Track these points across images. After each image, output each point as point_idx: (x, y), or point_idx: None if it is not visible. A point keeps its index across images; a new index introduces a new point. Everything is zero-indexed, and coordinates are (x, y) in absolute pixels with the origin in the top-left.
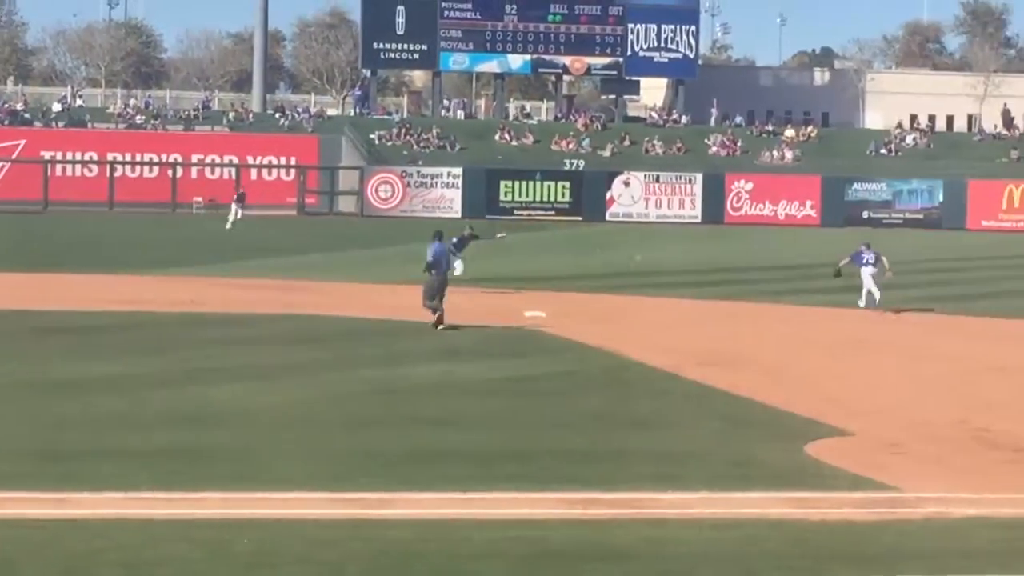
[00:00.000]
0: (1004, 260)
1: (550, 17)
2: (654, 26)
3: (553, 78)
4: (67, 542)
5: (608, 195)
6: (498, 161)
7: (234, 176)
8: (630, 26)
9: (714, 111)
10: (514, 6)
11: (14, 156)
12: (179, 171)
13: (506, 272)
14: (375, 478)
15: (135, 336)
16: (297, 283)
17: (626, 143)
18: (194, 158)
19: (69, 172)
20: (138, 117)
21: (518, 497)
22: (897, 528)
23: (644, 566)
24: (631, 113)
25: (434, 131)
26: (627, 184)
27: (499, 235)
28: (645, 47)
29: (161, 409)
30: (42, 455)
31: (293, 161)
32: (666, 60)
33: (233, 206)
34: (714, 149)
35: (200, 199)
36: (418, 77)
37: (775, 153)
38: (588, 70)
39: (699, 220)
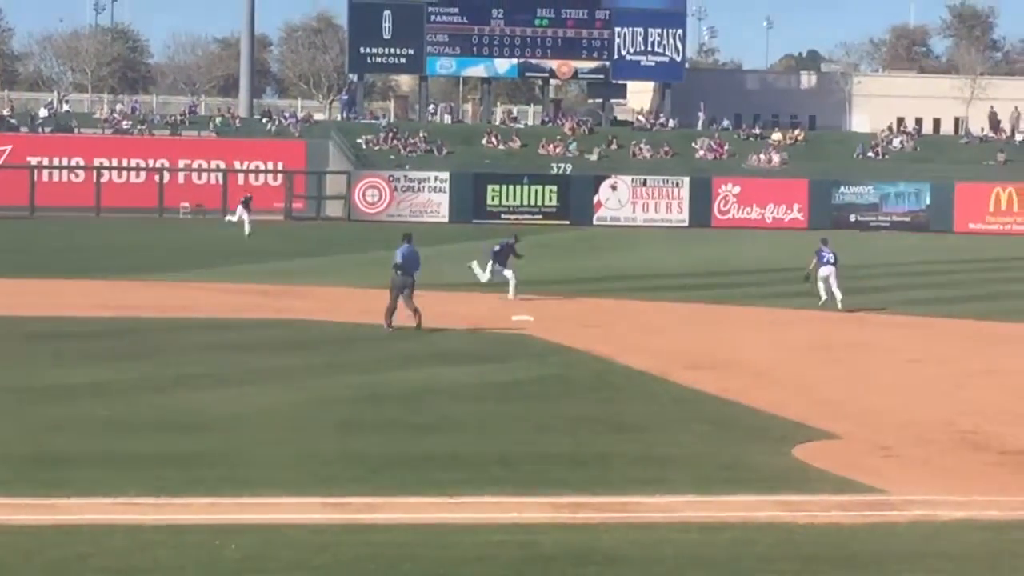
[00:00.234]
0: (991, 263)
1: (537, 21)
2: (641, 30)
3: (540, 82)
4: (55, 548)
5: (595, 199)
6: (485, 165)
7: (221, 181)
8: (617, 30)
9: (701, 115)
10: (501, 10)
11: (0, 162)
12: (166, 176)
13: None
14: (363, 483)
15: (123, 341)
16: (285, 288)
17: (613, 147)
18: (181, 163)
19: (56, 178)
20: (125, 122)
21: (506, 501)
22: (885, 531)
23: (632, 569)
24: (618, 117)
25: (421, 135)
26: (614, 188)
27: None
28: (632, 51)
29: (149, 414)
30: (30, 461)
31: (280, 166)
32: (653, 64)
33: (239, 209)
34: (701, 153)
35: (187, 204)
36: (405, 81)
37: (762, 156)
38: (575, 74)
39: (686, 224)
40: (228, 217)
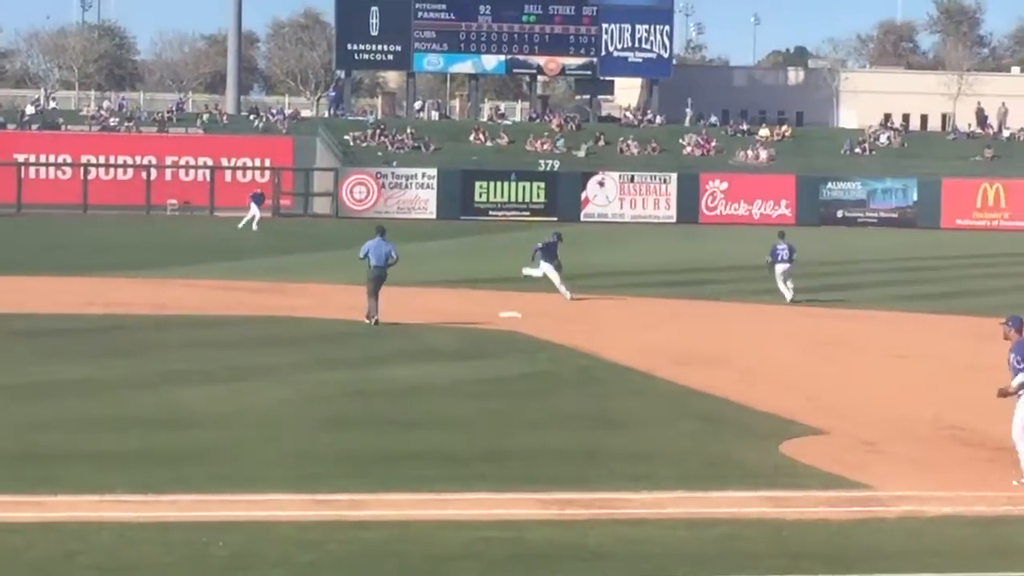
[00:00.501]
0: (978, 259)
1: (524, 18)
2: (628, 26)
3: (527, 78)
4: (42, 545)
5: (583, 195)
6: (473, 162)
7: (209, 178)
8: (604, 26)
9: (688, 111)
10: (488, 7)
11: None
12: (153, 173)
13: (481, 273)
14: (351, 479)
15: (110, 339)
16: (272, 285)
17: (601, 143)
18: (168, 160)
19: (43, 174)
20: (112, 119)
21: (494, 498)
22: (872, 526)
23: (620, 566)
24: (605, 113)
25: (408, 132)
26: (602, 184)
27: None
28: (619, 47)
29: (137, 411)
30: (17, 458)
31: (267, 163)
32: (640, 60)
33: (252, 206)
34: (689, 149)
35: (174, 201)
36: (392, 78)
37: (749, 153)
38: (562, 70)
39: (674, 220)
40: (246, 218)
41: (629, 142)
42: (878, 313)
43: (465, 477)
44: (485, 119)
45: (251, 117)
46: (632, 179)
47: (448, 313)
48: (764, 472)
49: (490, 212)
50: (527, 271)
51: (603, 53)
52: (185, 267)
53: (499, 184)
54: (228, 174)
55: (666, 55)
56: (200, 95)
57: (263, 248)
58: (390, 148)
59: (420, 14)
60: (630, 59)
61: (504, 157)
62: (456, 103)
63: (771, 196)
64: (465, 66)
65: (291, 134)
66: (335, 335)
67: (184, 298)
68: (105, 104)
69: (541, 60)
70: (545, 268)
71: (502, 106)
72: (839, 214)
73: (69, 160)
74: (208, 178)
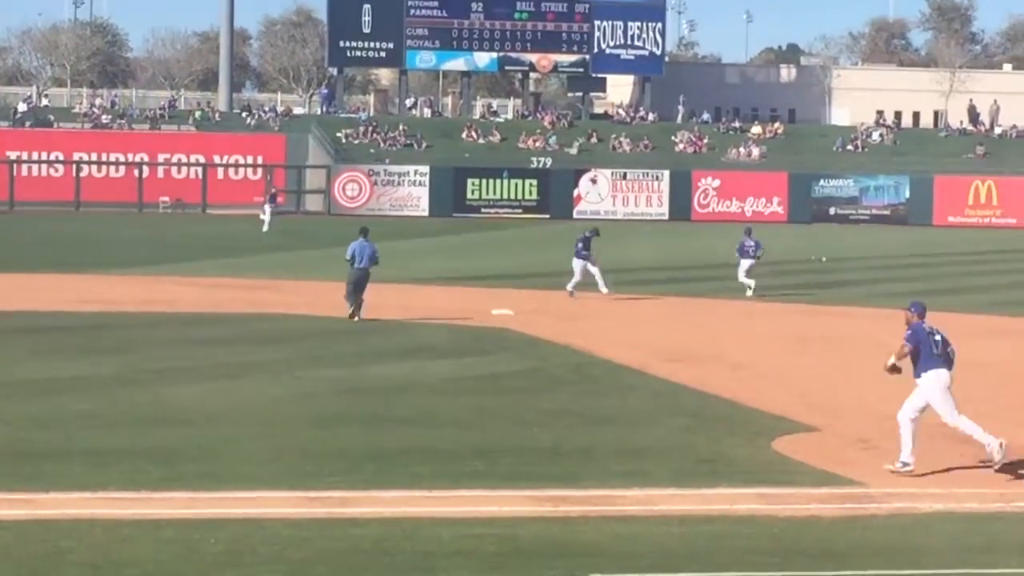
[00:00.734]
0: (970, 256)
1: (516, 15)
2: (620, 23)
3: (520, 76)
4: (34, 542)
5: (575, 193)
6: (465, 159)
7: (201, 175)
8: (596, 23)
9: (681, 108)
10: (480, 4)
11: None
12: (145, 171)
13: (474, 270)
14: (343, 477)
15: (103, 336)
16: (264, 282)
17: (593, 140)
18: (160, 157)
19: (35, 172)
20: (104, 117)
21: (486, 495)
22: (864, 523)
23: (612, 563)
24: (598, 110)
25: (401, 129)
26: (594, 181)
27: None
28: (611, 44)
29: (129, 409)
30: (9, 455)
31: (260, 160)
32: (632, 57)
33: (266, 207)
34: (681, 146)
35: (167, 198)
36: (385, 75)
37: (742, 150)
38: (555, 68)
39: (666, 217)
40: (263, 217)
41: (621, 139)
42: (871, 310)
43: (457, 474)
44: (477, 116)
45: (243, 114)
46: (624, 176)
47: (440, 310)
48: (756, 469)
49: (482, 209)
50: (575, 273)
51: (595, 50)
52: (177, 264)
53: (491, 181)
54: (220, 171)
55: (658, 52)
56: (192, 92)
57: (255, 246)
58: (382, 145)
59: (412, 11)
60: (622, 56)
61: (496, 154)
62: (448, 100)
63: (763, 193)
64: (457, 63)
65: (283, 131)
66: (327, 332)
67: (176, 295)
68: (97, 101)
69: (533, 57)
70: (577, 266)
71: (494, 103)
72: (831, 211)
73: (61, 157)
74: (200, 175)
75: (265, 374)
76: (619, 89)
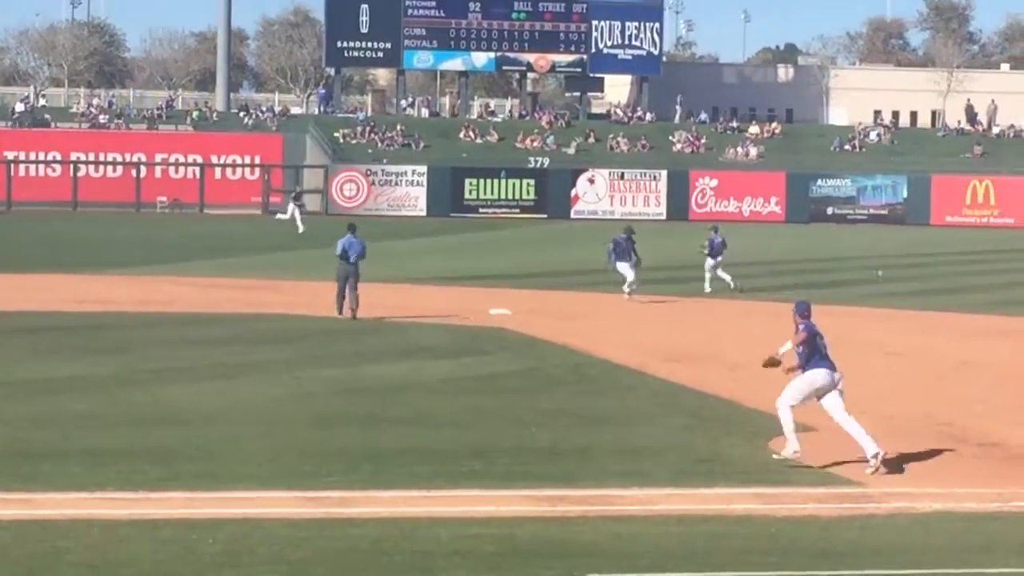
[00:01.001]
0: (968, 255)
1: (514, 15)
2: (618, 23)
3: (517, 76)
4: (32, 542)
5: (573, 193)
6: (463, 159)
7: (198, 175)
8: (594, 23)
9: (678, 108)
10: (478, 4)
11: None
12: (143, 171)
13: (471, 270)
14: (341, 477)
15: (100, 336)
16: (262, 282)
17: (591, 140)
18: (158, 157)
19: (32, 172)
20: (101, 117)
21: (484, 495)
22: (862, 523)
23: (610, 563)
24: (595, 110)
25: (398, 129)
26: (592, 181)
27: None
28: (609, 44)
29: (126, 409)
30: (7, 455)
31: (257, 160)
32: (630, 57)
33: (290, 206)
34: (678, 146)
35: (164, 198)
36: (382, 75)
37: (739, 150)
38: (552, 67)
39: (664, 217)
40: (279, 215)
41: (619, 139)
42: (869, 310)
43: (455, 474)
44: (475, 116)
45: (241, 114)
46: (622, 176)
47: (438, 310)
48: (754, 469)
49: (480, 209)
50: (627, 289)
51: (593, 50)
52: (175, 264)
53: (489, 181)
54: (218, 171)
55: (656, 52)
56: (190, 92)
57: (252, 245)
58: (380, 145)
59: (410, 11)
60: (620, 56)
61: (494, 154)
62: (446, 100)
63: (761, 193)
64: (455, 63)
65: (281, 131)
66: (325, 332)
67: (174, 295)
68: (95, 101)
69: (531, 57)
70: (623, 269)
71: (492, 103)
72: (829, 211)
73: (59, 157)
74: (198, 175)
75: (263, 374)
76: (617, 89)
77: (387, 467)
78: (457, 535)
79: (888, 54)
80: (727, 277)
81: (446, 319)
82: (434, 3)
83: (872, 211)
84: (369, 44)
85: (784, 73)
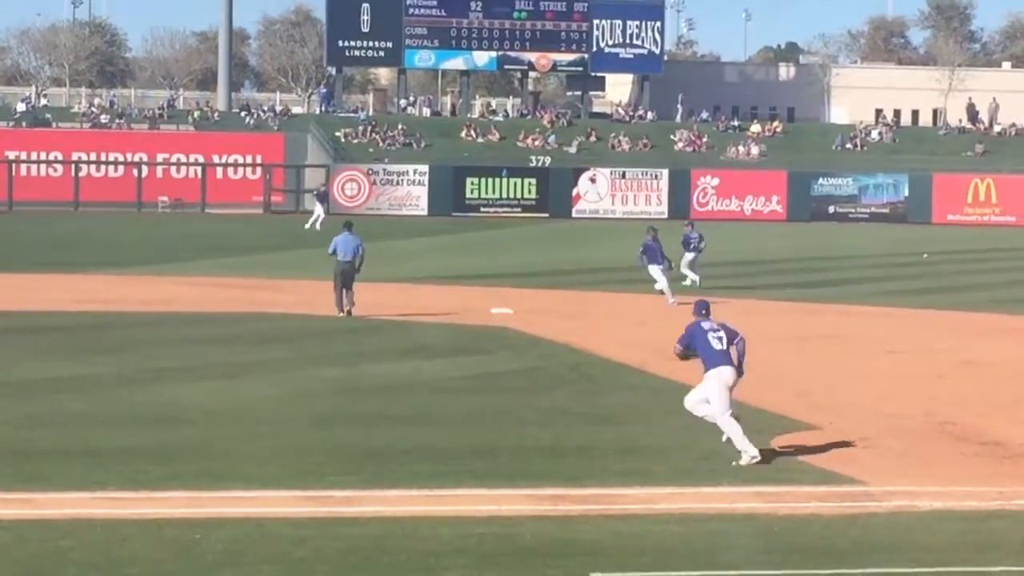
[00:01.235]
0: (969, 254)
1: (515, 14)
2: (619, 22)
3: (519, 75)
4: (34, 542)
5: (574, 192)
6: (464, 158)
7: (200, 175)
8: (595, 22)
9: (680, 107)
10: (479, 3)
11: None
12: (144, 170)
13: (473, 269)
14: (342, 476)
15: (102, 336)
16: (263, 282)
17: (592, 139)
18: (159, 157)
19: (34, 172)
20: (103, 116)
21: (486, 494)
22: (864, 521)
23: (612, 562)
24: (597, 109)
25: (400, 128)
26: (593, 180)
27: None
28: (610, 43)
29: (128, 409)
30: (9, 455)
31: (259, 159)
32: (631, 56)
33: (318, 207)
34: (680, 145)
35: (165, 198)
36: (384, 75)
37: (741, 148)
38: (554, 66)
39: (666, 216)
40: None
41: (620, 138)
42: (869, 308)
43: (457, 473)
44: (476, 115)
45: (242, 114)
46: (623, 175)
47: (439, 309)
48: (756, 467)
49: (481, 208)
50: (670, 300)
51: (594, 49)
52: (176, 264)
53: (490, 180)
54: (219, 171)
55: (657, 51)
56: (191, 92)
57: (254, 245)
58: (381, 145)
59: (411, 10)
60: (621, 55)
61: (495, 153)
62: (447, 99)
63: (762, 192)
64: (456, 62)
65: (282, 131)
66: (326, 331)
67: (175, 295)
68: (96, 101)
69: (532, 56)
70: (655, 272)
71: (493, 102)
72: (830, 210)
73: (60, 157)
74: (199, 175)
75: (264, 373)
76: (618, 88)
77: (388, 466)
78: (459, 534)
79: (889, 52)
80: (695, 276)
81: (447, 318)
82: (435, 2)
83: (874, 210)
84: (370, 43)
85: (785, 72)
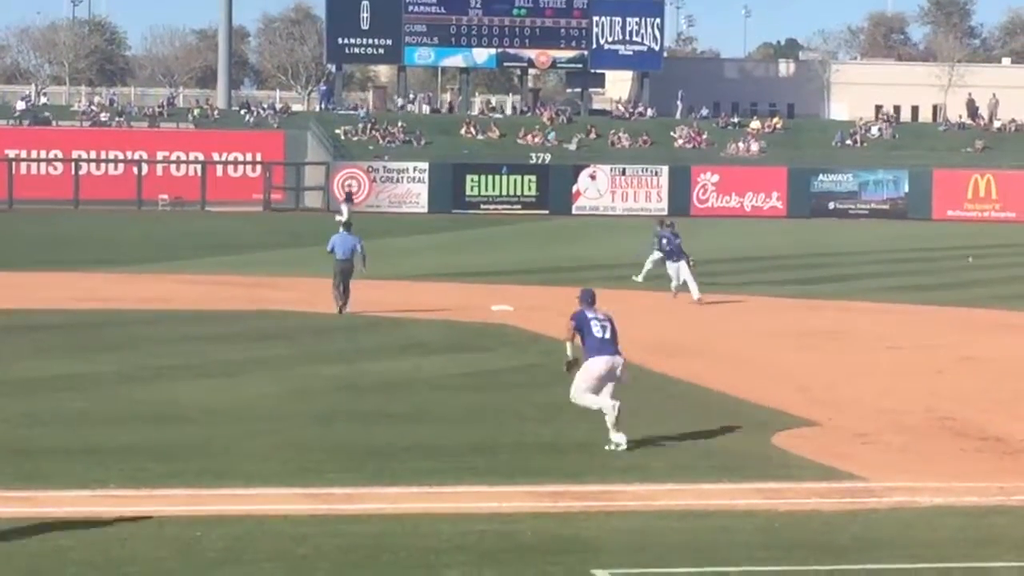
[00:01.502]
0: (970, 250)
1: (515, 11)
2: (619, 19)
3: (518, 72)
4: (34, 540)
5: (574, 188)
6: (464, 155)
7: (200, 173)
8: (595, 19)
9: (679, 103)
10: (479, 0)
11: None
12: (144, 168)
13: (473, 266)
14: (343, 473)
15: (102, 334)
16: (263, 279)
17: (592, 136)
18: (159, 155)
19: (34, 170)
20: (103, 115)
21: (486, 491)
22: (865, 517)
23: (613, 558)
24: (596, 106)
25: (400, 126)
26: (593, 177)
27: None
28: (610, 40)
29: (128, 407)
30: (8, 453)
31: (259, 157)
32: (631, 53)
33: (343, 207)
34: (680, 142)
35: (165, 196)
36: (383, 72)
37: (741, 145)
38: (553, 63)
39: (666, 213)
40: (338, 217)
41: (620, 135)
42: (869, 304)
43: (457, 470)
44: (476, 112)
45: (242, 112)
46: (623, 172)
47: (440, 306)
48: (756, 463)
49: (481, 205)
50: (695, 293)
51: (594, 46)
52: (176, 262)
53: (490, 177)
54: (219, 169)
55: (657, 48)
56: (191, 90)
57: (254, 243)
58: (381, 142)
59: (411, 8)
60: (621, 52)
61: (495, 150)
62: (447, 97)
63: (762, 188)
64: (456, 60)
65: (282, 128)
66: (327, 329)
67: (176, 293)
68: (96, 99)
69: (532, 53)
70: (677, 269)
71: (493, 99)
72: (830, 206)
73: (60, 156)
74: (199, 173)
75: (265, 371)
76: (618, 85)
77: (389, 463)
78: (459, 531)
79: (889, 48)
80: (677, 279)
81: (447, 315)
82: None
83: (874, 206)
84: (370, 41)
85: (785, 68)
